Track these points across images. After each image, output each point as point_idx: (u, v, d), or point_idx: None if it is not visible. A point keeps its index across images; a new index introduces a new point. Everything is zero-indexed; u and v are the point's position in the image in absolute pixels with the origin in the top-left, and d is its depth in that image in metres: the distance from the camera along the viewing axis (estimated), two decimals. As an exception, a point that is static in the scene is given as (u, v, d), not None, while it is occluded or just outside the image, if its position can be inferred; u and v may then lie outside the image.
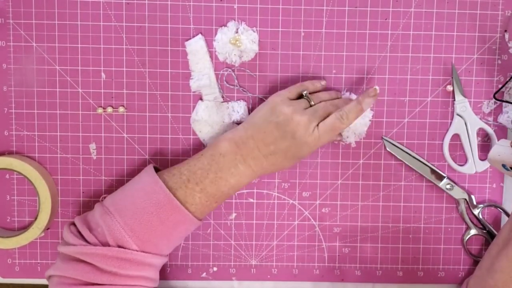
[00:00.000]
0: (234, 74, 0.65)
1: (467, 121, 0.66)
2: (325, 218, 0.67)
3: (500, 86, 0.66)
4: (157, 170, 0.60)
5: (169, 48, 0.65)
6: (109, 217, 0.56)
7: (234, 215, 0.67)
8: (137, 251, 0.56)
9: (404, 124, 0.66)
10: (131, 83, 0.65)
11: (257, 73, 0.65)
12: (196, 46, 0.64)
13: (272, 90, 0.65)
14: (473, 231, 0.67)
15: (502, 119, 0.65)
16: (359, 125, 0.65)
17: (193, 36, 0.64)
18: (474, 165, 0.66)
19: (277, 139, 0.58)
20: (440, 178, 0.66)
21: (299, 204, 0.67)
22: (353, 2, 0.64)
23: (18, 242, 0.64)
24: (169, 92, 0.65)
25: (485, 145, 0.67)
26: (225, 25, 0.64)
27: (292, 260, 0.68)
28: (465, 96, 0.65)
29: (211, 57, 0.65)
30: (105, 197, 0.63)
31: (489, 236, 0.67)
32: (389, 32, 0.65)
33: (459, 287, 0.69)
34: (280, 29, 0.65)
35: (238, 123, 0.64)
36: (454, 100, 0.66)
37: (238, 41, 0.63)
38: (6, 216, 0.66)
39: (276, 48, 0.65)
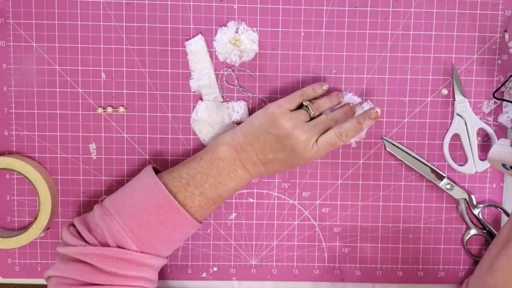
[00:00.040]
0: (234, 74, 0.65)
1: (467, 121, 0.65)
2: (325, 218, 0.67)
3: (500, 85, 0.66)
4: (155, 170, 0.60)
5: (169, 48, 0.65)
6: (109, 218, 0.56)
7: (234, 215, 0.67)
8: (136, 251, 0.56)
9: (404, 124, 0.66)
10: (131, 83, 0.65)
11: (257, 73, 0.65)
12: (196, 46, 0.64)
13: (272, 90, 0.65)
14: (473, 231, 0.67)
15: (502, 119, 0.65)
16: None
17: (193, 36, 0.64)
18: (474, 165, 0.66)
19: (276, 150, 0.59)
20: (440, 178, 0.66)
21: (299, 204, 0.67)
22: (353, 2, 0.64)
23: (18, 242, 0.64)
24: (169, 92, 0.65)
25: (485, 145, 0.67)
26: (225, 25, 0.64)
27: (292, 260, 0.68)
28: (465, 96, 0.65)
29: (211, 57, 0.65)
30: (104, 198, 0.63)
31: (489, 236, 0.67)
32: (389, 32, 0.65)
33: (459, 287, 0.68)
34: (280, 29, 0.65)
35: (238, 123, 0.64)
36: (454, 100, 0.66)
37: (238, 41, 0.63)
38: (6, 216, 0.66)
39: (276, 48, 0.65)
